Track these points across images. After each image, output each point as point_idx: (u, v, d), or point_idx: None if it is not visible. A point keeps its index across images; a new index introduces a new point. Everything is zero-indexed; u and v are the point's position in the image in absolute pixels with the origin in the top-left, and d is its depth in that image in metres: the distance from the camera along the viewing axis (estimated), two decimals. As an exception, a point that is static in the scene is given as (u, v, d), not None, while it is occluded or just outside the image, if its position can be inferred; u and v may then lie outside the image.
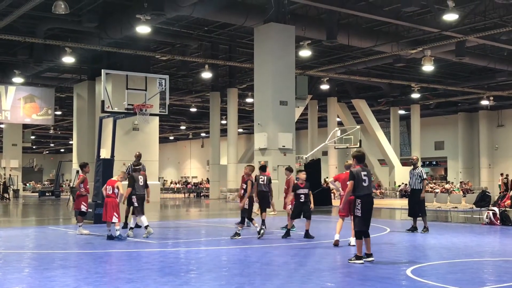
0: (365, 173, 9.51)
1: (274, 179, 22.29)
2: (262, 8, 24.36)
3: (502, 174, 36.28)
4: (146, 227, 13.09)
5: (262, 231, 13.01)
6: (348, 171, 11.72)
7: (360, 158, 9.69)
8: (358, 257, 9.34)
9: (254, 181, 13.48)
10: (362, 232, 9.41)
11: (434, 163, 52.42)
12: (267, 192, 14.49)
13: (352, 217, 9.90)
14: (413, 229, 14.49)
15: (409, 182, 14.82)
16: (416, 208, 14.44)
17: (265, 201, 14.57)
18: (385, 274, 8.54)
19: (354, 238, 9.68)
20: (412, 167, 14.69)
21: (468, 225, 16.87)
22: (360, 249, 9.39)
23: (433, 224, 15.76)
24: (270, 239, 13.07)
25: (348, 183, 9.60)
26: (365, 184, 9.44)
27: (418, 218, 14.56)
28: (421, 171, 14.42)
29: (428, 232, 14.18)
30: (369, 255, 9.47)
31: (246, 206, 12.99)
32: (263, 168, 15.07)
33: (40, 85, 37.90)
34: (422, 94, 40.88)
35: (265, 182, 14.44)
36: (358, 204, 9.40)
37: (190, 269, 9.06)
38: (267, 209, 15.00)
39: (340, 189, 11.81)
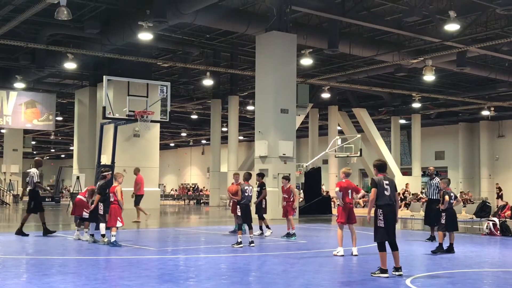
0: (387, 182, 9.23)
1: (274, 187, 22.49)
2: (264, 17, 24.42)
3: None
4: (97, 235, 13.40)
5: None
6: (346, 180, 11.76)
7: (379, 167, 9.42)
8: (382, 271, 9.03)
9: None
10: (384, 244, 9.14)
11: (434, 173, 52.37)
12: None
13: (373, 228, 9.40)
14: (432, 238, 14.53)
15: (425, 192, 14.89)
16: (432, 217, 14.38)
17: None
18: (385, 284, 8.52)
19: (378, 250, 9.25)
20: (429, 178, 14.76)
21: (468, 235, 16.84)
22: (384, 261, 9.07)
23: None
24: (270, 248, 13.06)
25: (372, 190, 9.29)
26: (387, 193, 9.16)
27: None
28: (438, 181, 14.38)
29: (432, 241, 14.22)
30: (398, 268, 9.14)
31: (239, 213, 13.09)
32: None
33: (42, 90, 37.93)
34: (423, 103, 40.87)
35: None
36: (380, 214, 9.11)
37: (189, 276, 9.05)
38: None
39: (341, 199, 11.65)
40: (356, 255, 11.45)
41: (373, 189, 9.31)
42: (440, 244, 12.32)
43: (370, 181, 9.38)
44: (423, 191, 40.51)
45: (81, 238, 13.91)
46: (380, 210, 9.16)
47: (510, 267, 10.74)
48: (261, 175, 15.69)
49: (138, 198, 20.20)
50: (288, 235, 14.92)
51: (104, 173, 13.61)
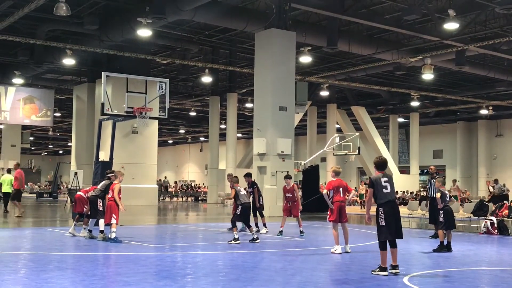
0: (385, 179, 9.14)
1: (272, 185, 22.52)
2: (263, 14, 24.41)
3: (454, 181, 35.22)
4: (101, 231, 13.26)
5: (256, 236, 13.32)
6: (337, 178, 11.76)
7: (379, 165, 9.32)
8: (382, 269, 9.01)
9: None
10: (386, 242, 9.03)
11: (435, 172, 52.46)
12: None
13: (376, 227, 9.27)
14: (436, 235, 14.57)
15: (427, 192, 14.92)
16: (435, 215, 14.40)
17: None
18: (382, 281, 8.53)
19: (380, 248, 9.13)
20: (429, 177, 14.83)
21: (465, 234, 16.87)
22: (384, 260, 9.02)
23: (430, 232, 15.77)
24: (268, 245, 13.06)
25: (368, 190, 9.24)
26: (386, 191, 9.06)
27: None
28: (434, 181, 14.37)
29: (436, 238, 14.28)
30: (394, 266, 9.07)
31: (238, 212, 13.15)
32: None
33: (40, 86, 37.90)
34: (421, 102, 40.91)
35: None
36: (381, 213, 9.00)
37: (187, 273, 9.05)
38: None
39: (329, 201, 11.51)
40: (348, 252, 11.49)
41: (369, 190, 9.21)
42: (441, 243, 12.33)
43: (368, 180, 9.27)
44: (421, 189, 40.58)
45: (76, 234, 13.90)
46: (381, 208, 9.07)
47: (507, 265, 10.76)
48: (248, 175, 15.86)
49: (19, 193, 20.50)
50: (301, 232, 15.05)
51: (109, 175, 13.63)
